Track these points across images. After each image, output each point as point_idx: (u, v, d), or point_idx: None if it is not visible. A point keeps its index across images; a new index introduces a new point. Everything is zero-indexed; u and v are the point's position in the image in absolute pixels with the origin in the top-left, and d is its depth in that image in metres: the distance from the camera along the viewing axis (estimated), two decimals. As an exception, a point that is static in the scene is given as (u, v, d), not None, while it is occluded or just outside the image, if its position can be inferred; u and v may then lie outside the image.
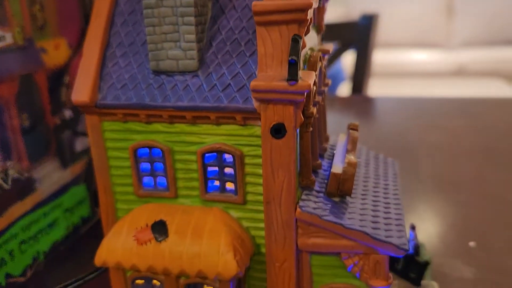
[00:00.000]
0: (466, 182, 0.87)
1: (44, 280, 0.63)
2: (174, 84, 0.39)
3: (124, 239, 0.40)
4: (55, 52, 0.68)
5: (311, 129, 0.40)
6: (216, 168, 0.40)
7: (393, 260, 0.56)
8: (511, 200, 0.79)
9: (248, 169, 0.39)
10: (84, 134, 0.72)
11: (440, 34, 3.01)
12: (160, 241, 0.39)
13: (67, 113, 0.71)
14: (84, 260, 0.64)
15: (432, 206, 0.78)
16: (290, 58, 0.33)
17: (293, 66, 0.33)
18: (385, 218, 0.41)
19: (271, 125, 0.36)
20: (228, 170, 0.40)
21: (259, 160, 0.39)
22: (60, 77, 0.69)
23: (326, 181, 0.43)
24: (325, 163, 0.47)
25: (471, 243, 0.68)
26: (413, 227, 0.63)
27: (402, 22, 3.00)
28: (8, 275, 0.58)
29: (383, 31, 2.61)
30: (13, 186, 0.61)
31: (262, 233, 0.41)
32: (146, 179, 0.43)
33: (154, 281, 0.41)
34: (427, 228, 0.71)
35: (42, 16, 0.65)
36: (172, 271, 0.39)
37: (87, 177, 0.75)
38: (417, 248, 0.58)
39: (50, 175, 0.68)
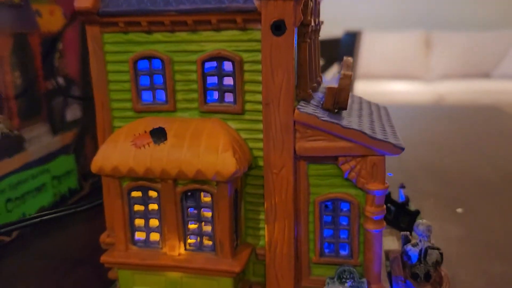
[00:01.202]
0: (450, 164, 0.89)
1: (28, 243, 0.62)
2: (176, -9, 0.40)
3: (122, 145, 0.40)
4: (50, 17, 0.69)
5: (308, 40, 0.41)
6: (216, 78, 0.41)
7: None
8: (494, 179, 0.81)
9: (247, 76, 0.40)
10: (76, 97, 0.72)
11: (419, 67, 3.11)
12: (158, 144, 0.39)
13: (60, 80, 0.72)
14: (70, 229, 0.63)
15: (419, 184, 0.79)
16: None
17: (294, -45, 0.35)
18: (381, 128, 0.41)
19: (272, 22, 0.37)
20: (227, 80, 0.41)
21: (259, 67, 0.39)
22: (53, 43, 0.70)
23: (322, 101, 0.44)
24: (319, 94, 0.48)
25: (459, 210, 0.69)
26: (402, 186, 0.63)
27: (383, 56, 3.09)
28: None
29: (364, 64, 2.69)
30: (2, 142, 0.61)
31: (260, 145, 0.41)
32: (145, 94, 0.43)
33: (151, 192, 0.41)
34: (415, 199, 0.72)
35: (38, -20, 0.66)
36: (171, 173, 0.38)
37: (77, 149, 0.75)
38: (407, 199, 0.58)
39: (39, 138, 0.68)
